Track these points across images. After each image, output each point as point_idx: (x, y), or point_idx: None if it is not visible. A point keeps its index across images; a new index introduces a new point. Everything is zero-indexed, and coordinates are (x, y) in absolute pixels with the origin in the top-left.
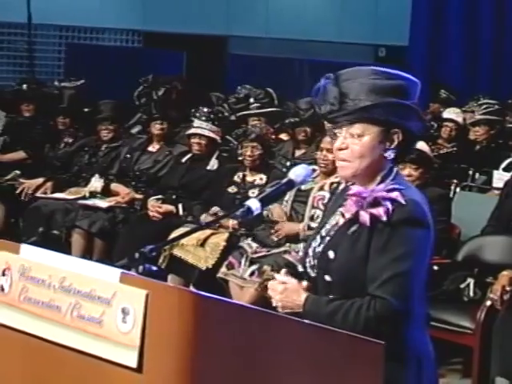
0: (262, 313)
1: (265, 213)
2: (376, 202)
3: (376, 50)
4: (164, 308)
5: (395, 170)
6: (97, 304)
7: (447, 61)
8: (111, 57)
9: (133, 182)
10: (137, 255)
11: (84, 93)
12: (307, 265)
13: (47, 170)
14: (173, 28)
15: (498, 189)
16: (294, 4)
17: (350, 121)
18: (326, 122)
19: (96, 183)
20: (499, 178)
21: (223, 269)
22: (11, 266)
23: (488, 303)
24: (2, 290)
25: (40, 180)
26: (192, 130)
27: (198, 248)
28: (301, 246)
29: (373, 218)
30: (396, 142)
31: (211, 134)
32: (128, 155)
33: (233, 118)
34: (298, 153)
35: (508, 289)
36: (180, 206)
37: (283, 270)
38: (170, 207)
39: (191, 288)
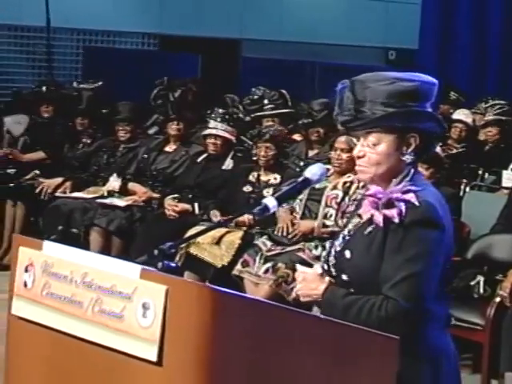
0: (277, 307)
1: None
2: (390, 203)
3: (386, 52)
4: (183, 303)
5: (412, 171)
6: (118, 299)
7: (456, 63)
8: (128, 60)
9: (150, 181)
10: (156, 252)
11: (102, 94)
12: (330, 263)
13: (66, 169)
14: (188, 32)
15: (506, 188)
16: (306, 8)
17: (365, 130)
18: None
19: (114, 183)
20: (508, 177)
21: (238, 266)
22: (34, 262)
23: (497, 300)
24: (26, 285)
25: (59, 179)
26: (208, 131)
27: (213, 246)
28: (313, 244)
29: (386, 219)
30: (413, 146)
31: (226, 135)
32: (145, 155)
33: (247, 118)
34: (311, 153)
35: None
36: (196, 204)
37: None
38: (186, 206)
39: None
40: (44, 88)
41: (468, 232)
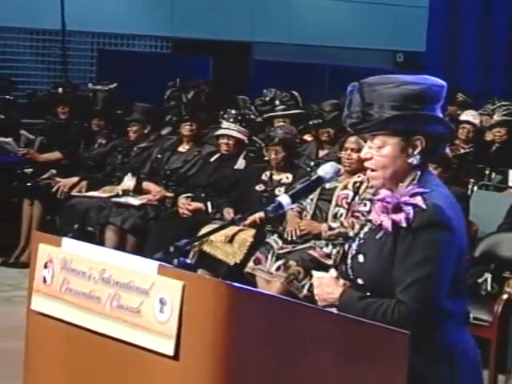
0: (291, 303)
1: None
2: (398, 208)
3: (394, 55)
4: (200, 298)
5: (419, 173)
6: (135, 295)
7: (462, 66)
8: (141, 62)
9: (163, 180)
10: (172, 249)
11: (116, 95)
12: (348, 266)
13: (82, 169)
14: (200, 35)
15: None
16: (316, 11)
17: (370, 133)
18: None
19: (128, 182)
20: None
21: (250, 264)
22: (53, 258)
23: (505, 297)
24: (45, 281)
25: (75, 179)
26: (220, 131)
27: (226, 244)
28: (324, 242)
29: (394, 224)
30: (419, 148)
31: (239, 135)
32: (159, 155)
33: (259, 119)
34: (321, 153)
35: None
36: (209, 203)
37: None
38: (199, 205)
39: None
40: (60, 89)
41: (476, 230)
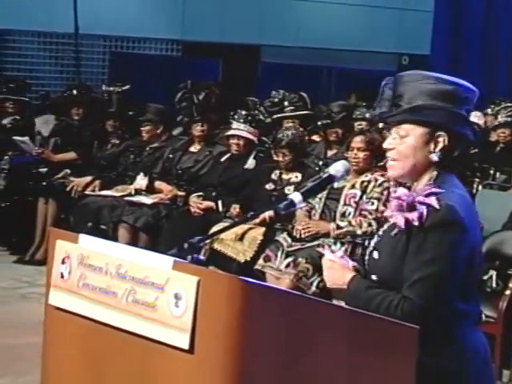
0: (302, 297)
1: None
2: (412, 206)
3: (400, 58)
4: (214, 293)
5: (435, 173)
6: (151, 290)
7: (467, 68)
8: (152, 65)
9: (175, 180)
10: (186, 245)
11: (129, 97)
12: (366, 263)
13: (95, 169)
14: (209, 38)
15: None
16: (323, 15)
17: (396, 121)
18: (355, 124)
19: (141, 181)
20: None
21: (260, 261)
22: (70, 254)
23: (509, 293)
24: (62, 276)
25: (88, 178)
26: (231, 132)
27: (236, 242)
28: (332, 240)
29: (407, 222)
30: (441, 145)
31: (249, 135)
32: (171, 155)
33: (268, 120)
34: (329, 153)
35: None
36: (219, 202)
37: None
38: (211, 203)
39: None
40: (74, 91)
41: (481, 229)
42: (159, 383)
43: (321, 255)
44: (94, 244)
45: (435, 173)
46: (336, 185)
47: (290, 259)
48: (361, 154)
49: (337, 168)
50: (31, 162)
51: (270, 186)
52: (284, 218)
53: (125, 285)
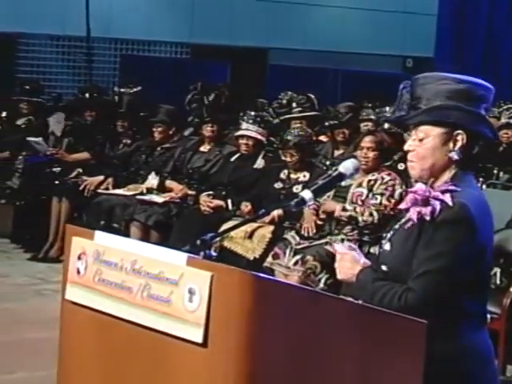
0: (312, 293)
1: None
2: (426, 201)
3: (404, 60)
4: (227, 288)
5: (453, 171)
6: (165, 285)
7: (470, 71)
8: (161, 67)
9: (186, 179)
10: (198, 242)
11: (140, 98)
12: (379, 253)
13: (107, 168)
14: (218, 41)
15: None
16: (329, 19)
17: (415, 123)
18: (361, 125)
19: (152, 180)
20: None
21: (269, 259)
22: (86, 250)
23: None
24: (78, 272)
25: (101, 177)
26: (240, 132)
27: (246, 240)
28: (339, 238)
29: (419, 215)
30: (460, 144)
31: (258, 136)
32: (181, 155)
33: (276, 121)
34: (336, 153)
35: None
36: (229, 201)
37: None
38: (220, 202)
39: None
40: (87, 95)
41: None
42: (173, 376)
43: (328, 253)
44: (109, 240)
45: (454, 171)
46: (343, 183)
47: (298, 257)
48: (370, 154)
49: (346, 166)
50: (45, 162)
51: (278, 185)
52: (292, 216)
53: (140, 280)
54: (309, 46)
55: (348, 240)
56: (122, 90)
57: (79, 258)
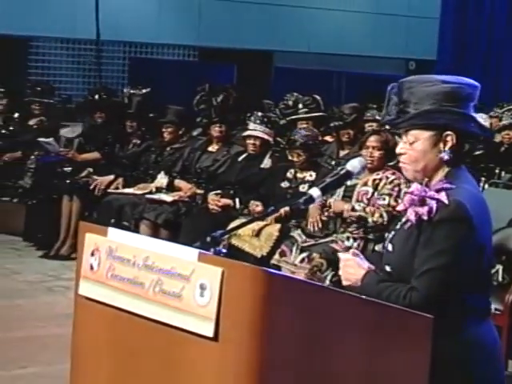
0: (322, 288)
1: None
2: (423, 201)
3: (407, 63)
4: (238, 283)
5: (447, 170)
6: (177, 280)
7: (472, 73)
8: (169, 70)
9: (194, 178)
10: (208, 239)
11: (149, 100)
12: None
13: (117, 168)
14: (224, 44)
15: None
16: (333, 22)
17: (404, 128)
18: (366, 125)
19: (161, 180)
20: None
21: (276, 256)
22: (100, 247)
23: None
24: (92, 268)
25: (111, 177)
26: (248, 132)
27: (253, 238)
28: (345, 236)
29: (417, 216)
30: (450, 144)
31: (265, 136)
32: (190, 155)
33: (282, 121)
34: (342, 153)
35: None
36: (237, 200)
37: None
38: (228, 201)
39: None
40: (97, 96)
41: None
42: (185, 370)
43: (334, 251)
44: (122, 237)
45: (447, 169)
46: (349, 182)
47: (304, 254)
48: (376, 153)
49: (354, 164)
50: (56, 162)
51: (285, 184)
52: (299, 214)
53: (152, 276)
54: (313, 48)
55: (353, 238)
56: (132, 91)
57: (92, 254)
